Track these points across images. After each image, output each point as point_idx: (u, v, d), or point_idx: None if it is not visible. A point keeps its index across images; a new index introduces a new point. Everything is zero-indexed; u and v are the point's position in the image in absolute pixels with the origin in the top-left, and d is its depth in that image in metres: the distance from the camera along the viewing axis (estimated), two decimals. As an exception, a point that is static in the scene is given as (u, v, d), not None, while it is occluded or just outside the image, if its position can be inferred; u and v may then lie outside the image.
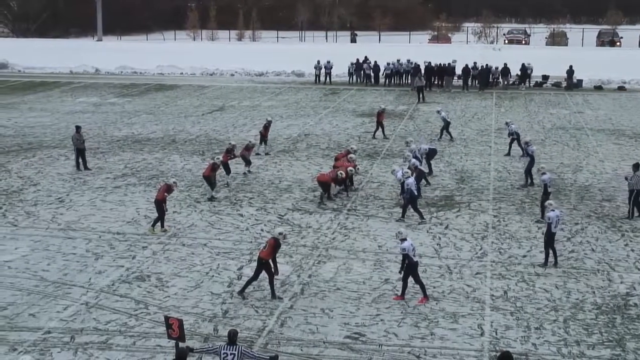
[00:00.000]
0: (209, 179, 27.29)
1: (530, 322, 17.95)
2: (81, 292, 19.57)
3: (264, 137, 34.25)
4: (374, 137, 37.61)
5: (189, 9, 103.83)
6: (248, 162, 30.63)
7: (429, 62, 55.08)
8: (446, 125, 37.20)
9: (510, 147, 33.71)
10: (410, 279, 19.14)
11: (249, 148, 30.86)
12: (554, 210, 21.26)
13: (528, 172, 29.16)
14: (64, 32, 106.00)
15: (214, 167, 27.30)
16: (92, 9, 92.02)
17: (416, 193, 25.52)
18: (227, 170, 29.34)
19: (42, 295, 19.37)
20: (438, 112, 38.37)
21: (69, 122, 40.99)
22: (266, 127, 34.44)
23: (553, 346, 16.88)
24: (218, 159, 27.87)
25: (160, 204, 23.82)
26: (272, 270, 19.27)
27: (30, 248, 22.62)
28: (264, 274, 19.18)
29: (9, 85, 58.01)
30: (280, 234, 19.71)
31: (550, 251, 21.35)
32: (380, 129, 37.78)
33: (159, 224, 24.04)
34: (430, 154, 30.60)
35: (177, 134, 38.80)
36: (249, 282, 19.38)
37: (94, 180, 30.02)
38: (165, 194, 23.92)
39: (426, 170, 29.48)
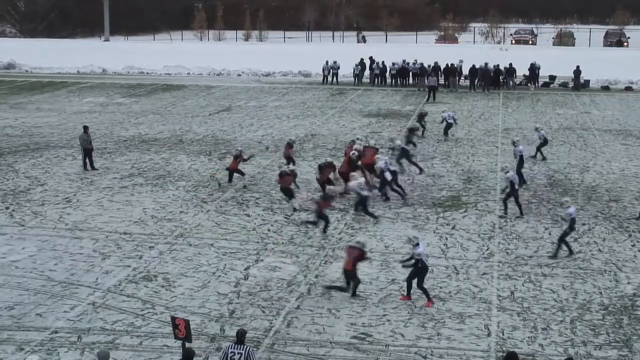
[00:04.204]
0: (238, 171, 28.96)
1: (537, 322, 17.93)
2: (88, 292, 19.61)
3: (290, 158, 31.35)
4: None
5: (196, 9, 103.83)
6: (292, 161, 30.26)
7: (436, 62, 55.02)
8: (448, 126, 37.53)
9: (537, 151, 33.42)
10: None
11: (291, 146, 30.77)
12: (570, 207, 21.72)
13: (517, 172, 29.22)
14: (71, 32, 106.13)
15: (237, 160, 28.97)
16: (99, 9, 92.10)
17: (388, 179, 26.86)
18: (241, 173, 29.24)
19: (49, 295, 19.41)
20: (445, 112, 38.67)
21: (76, 122, 41.07)
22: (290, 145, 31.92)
23: (560, 347, 16.86)
24: (238, 150, 29.57)
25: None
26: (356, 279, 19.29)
27: (38, 248, 22.67)
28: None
29: (17, 85, 58.13)
30: (358, 242, 19.66)
31: (563, 244, 21.73)
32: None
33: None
34: (403, 153, 30.65)
35: (184, 134, 38.84)
36: (340, 289, 19.36)
37: (101, 180, 30.08)
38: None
39: (404, 169, 30.07)
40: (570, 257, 21.94)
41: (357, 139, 31.16)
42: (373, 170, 28.05)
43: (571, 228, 22.02)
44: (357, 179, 25.83)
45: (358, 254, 19.22)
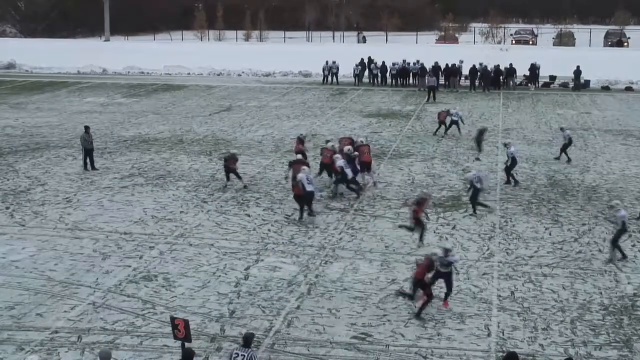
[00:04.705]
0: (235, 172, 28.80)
1: (538, 322, 17.93)
2: (88, 291, 19.61)
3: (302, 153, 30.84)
4: (435, 134, 38.13)
5: (196, 10, 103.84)
6: (304, 156, 29.77)
7: (436, 62, 55.01)
8: (453, 123, 37.84)
9: (562, 152, 33.31)
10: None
11: (302, 141, 30.67)
12: (621, 210, 21.87)
13: (508, 171, 29.40)
14: (71, 32, 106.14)
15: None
16: (99, 10, 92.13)
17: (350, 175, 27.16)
18: (238, 176, 29.14)
19: (50, 295, 19.41)
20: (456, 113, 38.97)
21: (77, 122, 41.08)
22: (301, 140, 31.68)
23: (560, 347, 16.86)
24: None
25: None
26: (429, 291, 18.35)
27: (38, 248, 22.67)
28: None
29: (17, 85, 58.15)
30: (434, 254, 18.70)
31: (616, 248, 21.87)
32: (442, 127, 38.17)
33: None
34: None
35: (185, 134, 38.85)
36: (409, 297, 18.86)
37: (101, 180, 30.08)
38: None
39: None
40: (570, 258, 21.95)
41: (330, 140, 31.39)
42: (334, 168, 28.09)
43: (623, 231, 21.95)
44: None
45: (427, 263, 18.34)
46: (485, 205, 26.36)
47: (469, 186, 26.48)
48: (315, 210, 25.42)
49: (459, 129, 37.90)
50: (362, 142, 29.97)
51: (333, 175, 28.22)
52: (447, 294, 18.80)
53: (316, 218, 25.12)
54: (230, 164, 28.76)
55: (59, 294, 19.44)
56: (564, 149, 33.24)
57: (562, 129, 34.23)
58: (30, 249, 22.60)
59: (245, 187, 28.79)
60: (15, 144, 36.48)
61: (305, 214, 25.12)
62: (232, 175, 28.83)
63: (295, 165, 26.82)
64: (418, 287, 18.38)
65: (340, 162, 27.30)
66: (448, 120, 37.87)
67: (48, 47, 79.12)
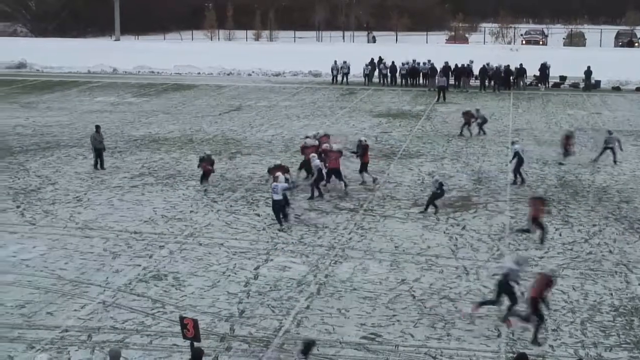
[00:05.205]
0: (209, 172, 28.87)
1: (548, 323, 17.86)
2: (98, 290, 19.65)
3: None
4: (461, 135, 38.11)
5: (206, 9, 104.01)
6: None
7: (446, 62, 54.91)
8: (483, 122, 37.97)
9: (602, 154, 32.91)
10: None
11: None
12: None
13: (515, 170, 29.48)
14: (82, 31, 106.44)
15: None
16: (110, 9, 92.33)
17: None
18: (206, 179, 29.14)
19: (60, 293, 19.46)
20: (477, 110, 39.21)
21: (87, 122, 41.18)
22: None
23: (570, 348, 16.82)
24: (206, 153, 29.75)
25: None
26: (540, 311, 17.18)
27: (48, 247, 22.74)
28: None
29: (28, 84, 58.32)
30: (552, 270, 18.10)
31: None
32: (466, 127, 38.13)
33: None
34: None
35: (194, 134, 38.90)
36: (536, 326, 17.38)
37: (112, 179, 30.14)
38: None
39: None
40: (580, 259, 21.90)
41: (307, 136, 31.32)
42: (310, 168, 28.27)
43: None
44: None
45: (547, 281, 17.24)
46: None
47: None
48: (289, 219, 24.88)
49: (483, 131, 37.85)
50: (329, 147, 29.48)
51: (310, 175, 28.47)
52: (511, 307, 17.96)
53: (285, 226, 24.48)
54: (206, 166, 28.74)
55: (69, 293, 19.49)
56: (604, 150, 32.75)
57: (609, 132, 33.39)
58: (41, 247, 22.66)
59: (206, 190, 28.62)
60: (26, 143, 36.58)
61: (291, 217, 24.96)
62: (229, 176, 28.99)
63: (273, 171, 26.50)
64: (533, 307, 17.06)
65: (316, 162, 27.32)
66: (473, 123, 37.84)
67: (59, 46, 79.34)
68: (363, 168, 29.40)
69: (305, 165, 29.17)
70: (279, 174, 25.03)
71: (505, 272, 17.98)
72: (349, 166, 30.25)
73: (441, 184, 25.96)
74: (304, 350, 14.54)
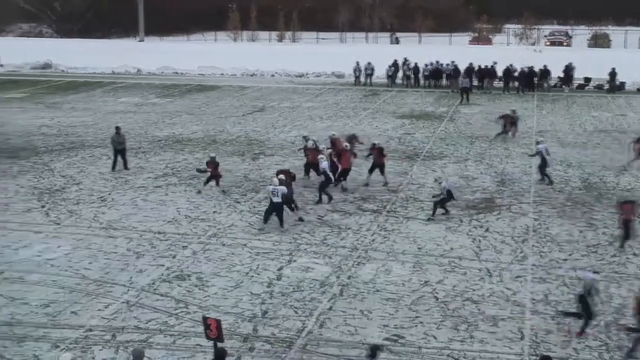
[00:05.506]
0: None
1: (572, 326, 17.78)
2: (122, 290, 19.76)
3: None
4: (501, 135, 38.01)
5: (230, 10, 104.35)
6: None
7: (470, 63, 54.73)
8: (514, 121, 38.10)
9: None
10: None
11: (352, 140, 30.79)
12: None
13: (541, 170, 29.60)
14: (106, 32, 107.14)
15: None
16: (134, 10, 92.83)
17: (331, 177, 27.16)
18: (214, 180, 28.83)
19: (84, 293, 19.58)
20: (514, 111, 39.24)
21: (111, 122, 41.36)
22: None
23: (594, 351, 16.72)
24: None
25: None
26: None
27: (73, 246, 22.88)
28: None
29: (53, 85, 58.74)
30: None
31: None
32: (509, 127, 38.05)
33: None
34: None
35: (218, 135, 39.01)
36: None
37: (135, 179, 30.29)
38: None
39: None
40: (605, 262, 21.78)
41: (305, 136, 31.55)
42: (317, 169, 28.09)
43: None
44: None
45: None
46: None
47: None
48: (285, 222, 24.61)
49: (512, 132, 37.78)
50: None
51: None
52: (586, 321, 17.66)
53: (283, 229, 24.35)
54: (208, 167, 28.59)
55: (93, 293, 19.61)
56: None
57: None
58: (65, 247, 22.81)
59: (199, 192, 28.49)
60: (51, 143, 36.84)
61: (294, 219, 25.00)
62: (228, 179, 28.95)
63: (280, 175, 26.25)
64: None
65: (324, 164, 27.23)
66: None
67: (83, 47, 79.91)
68: (380, 170, 29.23)
69: (310, 167, 29.27)
70: (281, 176, 24.94)
71: (588, 286, 17.48)
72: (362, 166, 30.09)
73: (449, 191, 25.69)
74: (371, 354, 14.55)
